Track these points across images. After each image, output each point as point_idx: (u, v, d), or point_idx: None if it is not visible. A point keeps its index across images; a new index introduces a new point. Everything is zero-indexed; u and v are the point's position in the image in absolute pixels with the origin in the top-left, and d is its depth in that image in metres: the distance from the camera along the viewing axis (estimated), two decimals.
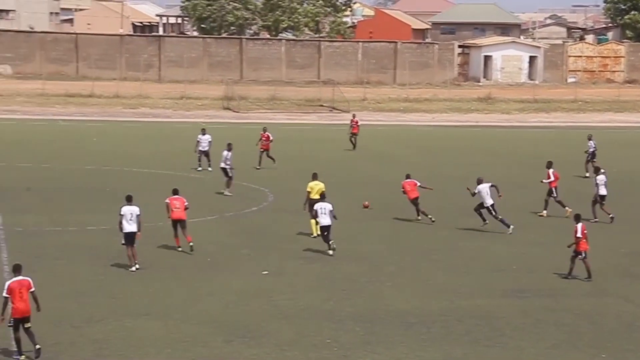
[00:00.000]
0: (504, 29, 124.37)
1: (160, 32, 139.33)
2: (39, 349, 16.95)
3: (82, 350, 17.65)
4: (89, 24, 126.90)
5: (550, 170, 31.89)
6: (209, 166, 39.31)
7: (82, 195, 33.88)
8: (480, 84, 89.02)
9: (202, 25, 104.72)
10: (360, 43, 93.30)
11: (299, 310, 20.52)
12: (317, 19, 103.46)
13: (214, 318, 19.80)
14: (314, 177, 28.19)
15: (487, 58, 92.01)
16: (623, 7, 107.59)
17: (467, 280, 23.28)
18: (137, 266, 23.24)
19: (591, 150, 40.82)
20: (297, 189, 35.61)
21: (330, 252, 25.34)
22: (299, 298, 21.39)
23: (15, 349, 17.11)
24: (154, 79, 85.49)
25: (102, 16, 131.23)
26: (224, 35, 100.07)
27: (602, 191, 30.79)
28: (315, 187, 27.69)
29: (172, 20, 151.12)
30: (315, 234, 27.04)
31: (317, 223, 26.14)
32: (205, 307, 20.57)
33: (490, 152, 49.04)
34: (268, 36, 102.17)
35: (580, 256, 23.22)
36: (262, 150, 40.92)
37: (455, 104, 74.52)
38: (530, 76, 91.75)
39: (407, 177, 30.39)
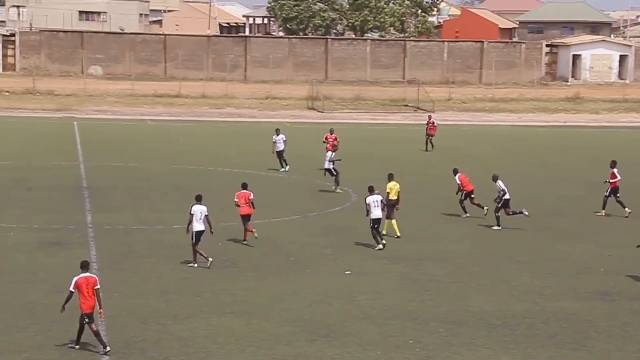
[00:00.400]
0: (593, 27, 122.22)
1: (247, 33, 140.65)
2: (76, 346, 17.65)
3: (167, 347, 17.96)
4: (177, 25, 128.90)
5: (615, 170, 31.44)
6: (285, 165, 39.62)
7: (169, 194, 34.41)
8: (569, 83, 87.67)
9: (288, 26, 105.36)
10: (446, 43, 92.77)
11: (382, 311, 20.52)
12: (403, 18, 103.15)
13: (297, 317, 19.94)
14: (390, 177, 28.27)
15: (576, 57, 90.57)
16: None
17: (552, 282, 23.00)
18: (210, 259, 23.70)
19: None
20: (379, 189, 35.58)
21: (380, 246, 25.55)
22: (381, 298, 21.40)
23: (99, 344, 17.44)
24: (239, 79, 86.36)
25: (190, 17, 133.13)
26: (309, 35, 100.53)
27: None
28: (394, 187, 27.86)
29: (258, 20, 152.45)
30: (398, 234, 27.27)
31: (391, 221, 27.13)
32: (288, 306, 20.72)
33: (577, 152, 48.27)
34: (353, 36, 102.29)
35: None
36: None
37: (542, 104, 73.54)
38: (621, 75, 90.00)
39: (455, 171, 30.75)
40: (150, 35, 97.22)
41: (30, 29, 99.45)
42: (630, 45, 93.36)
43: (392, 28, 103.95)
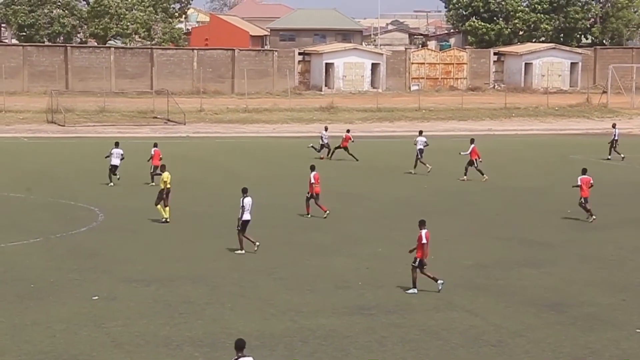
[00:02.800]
0: (345, 35, 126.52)
1: None
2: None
3: None
4: None
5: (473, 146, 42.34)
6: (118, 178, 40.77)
7: None
8: (322, 92, 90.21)
9: (22, 33, 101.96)
10: (196, 50, 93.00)
11: (133, 337, 20.23)
12: (149, 25, 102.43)
13: (38, 349, 19.28)
14: (163, 168, 32.82)
15: (329, 65, 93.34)
16: (464, 13, 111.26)
17: (311, 298, 23.52)
18: (258, 243, 28.10)
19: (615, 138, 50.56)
20: (128, 207, 35.17)
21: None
22: (132, 324, 21.11)
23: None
24: None
25: None
26: (46, 43, 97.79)
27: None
28: (168, 177, 32.29)
29: None
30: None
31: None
32: (28, 337, 20.00)
33: (328, 163, 49.68)
34: (95, 44, 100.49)
35: (421, 265, 23.90)
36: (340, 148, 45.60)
37: (296, 114, 75.25)
38: (373, 84, 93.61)
39: (584, 172, 33.90)
40: None
41: None
42: (381, 54, 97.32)
43: (137, 35, 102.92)
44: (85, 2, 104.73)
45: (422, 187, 41.92)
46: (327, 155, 50.18)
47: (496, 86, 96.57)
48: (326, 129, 51.81)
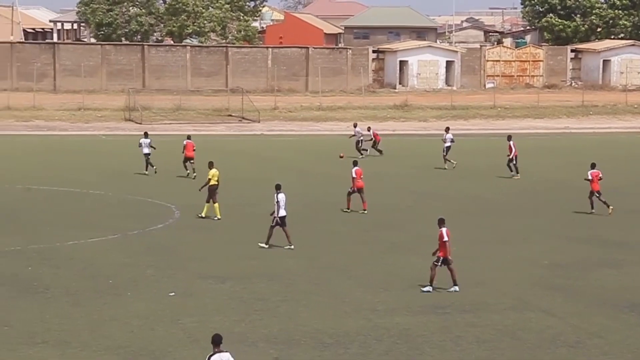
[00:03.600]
0: (419, 32, 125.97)
1: (55, 39, 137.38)
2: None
3: None
4: None
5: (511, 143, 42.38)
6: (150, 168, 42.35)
7: None
8: (396, 90, 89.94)
9: (100, 32, 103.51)
10: (270, 49, 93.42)
11: (208, 333, 20.31)
12: (224, 23, 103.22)
13: (117, 344, 19.55)
14: (211, 165, 33.14)
15: (403, 63, 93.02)
16: (541, 9, 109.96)
17: (385, 296, 23.46)
18: (292, 246, 28.08)
19: None
20: (203, 204, 35.50)
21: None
22: (208, 320, 21.29)
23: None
24: (48, 89, 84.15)
25: None
26: (124, 42, 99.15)
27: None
28: (215, 174, 32.79)
29: (67, 26, 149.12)
30: (219, 216, 32.47)
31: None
32: (107, 333, 20.30)
33: (405, 161, 49.48)
34: (172, 42, 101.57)
35: (447, 263, 23.65)
36: None
37: (370, 112, 75.13)
38: (448, 82, 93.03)
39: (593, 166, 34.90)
40: None
41: None
42: (456, 51, 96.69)
43: (212, 33, 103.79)
44: (162, 1, 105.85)
45: (497, 185, 41.57)
46: (362, 150, 49.38)
47: (573, 84, 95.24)
48: (355, 126, 50.76)
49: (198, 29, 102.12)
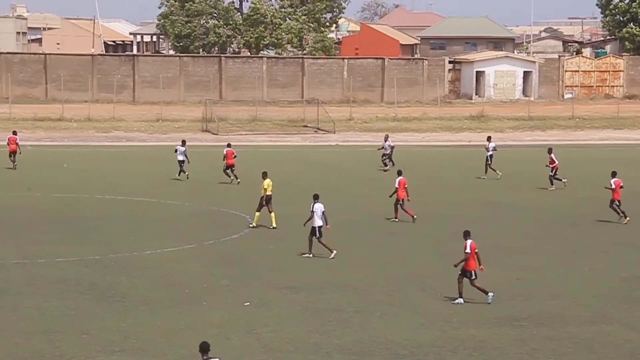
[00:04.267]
0: (496, 43, 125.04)
1: (134, 51, 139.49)
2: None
3: None
4: (58, 44, 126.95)
5: (552, 155, 42.35)
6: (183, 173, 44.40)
7: (51, 224, 33.77)
8: (473, 101, 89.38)
9: (179, 44, 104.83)
10: (346, 60, 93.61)
11: (283, 343, 20.47)
12: (301, 34, 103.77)
13: (193, 353, 19.68)
14: (265, 175, 33.43)
15: (479, 74, 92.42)
16: (622, 19, 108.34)
17: (460, 308, 23.28)
18: (334, 252, 28.28)
19: None
20: (278, 214, 35.69)
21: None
22: (282, 330, 21.37)
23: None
24: (127, 100, 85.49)
25: (72, 35, 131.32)
26: (202, 53, 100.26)
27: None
28: (269, 184, 33.08)
29: (146, 38, 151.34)
30: (274, 225, 32.93)
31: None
32: (183, 342, 20.48)
33: (480, 171, 49.14)
34: (248, 54, 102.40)
35: (467, 276, 23.23)
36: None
37: (446, 123, 74.79)
38: (525, 92, 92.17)
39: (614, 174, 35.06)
40: (29, 55, 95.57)
41: None
42: (533, 62, 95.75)
43: (289, 45, 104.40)
44: (240, 13, 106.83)
45: (573, 196, 41.00)
46: (388, 163, 49.09)
47: None
48: (386, 139, 50.13)
49: (275, 41, 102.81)
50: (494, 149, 46.35)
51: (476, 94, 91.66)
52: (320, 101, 76.02)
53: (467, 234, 23.73)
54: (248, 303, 23.52)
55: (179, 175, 44.45)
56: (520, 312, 22.95)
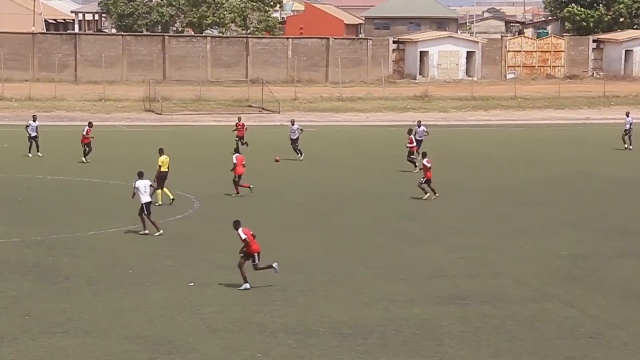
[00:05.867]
0: (440, 23, 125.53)
1: (76, 30, 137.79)
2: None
3: None
4: None
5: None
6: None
7: None
8: (417, 81, 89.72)
9: (121, 23, 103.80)
10: (290, 39, 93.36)
11: (227, 323, 20.48)
12: (245, 14, 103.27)
13: (136, 334, 19.64)
14: (161, 152, 33.76)
15: (423, 54, 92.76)
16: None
17: (404, 287, 23.46)
18: (161, 232, 28.35)
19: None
20: (224, 195, 35.62)
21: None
22: (227, 310, 21.36)
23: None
24: (69, 80, 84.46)
25: (11, 13, 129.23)
26: (144, 32, 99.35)
27: None
28: (165, 160, 33.48)
29: (88, 17, 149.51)
30: (172, 197, 33.19)
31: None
32: (127, 322, 20.40)
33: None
34: (192, 33, 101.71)
35: (252, 260, 22.84)
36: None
37: (390, 103, 75.04)
38: (468, 72, 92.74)
39: None
40: None
41: None
42: (477, 42, 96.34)
43: (233, 24, 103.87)
44: None
45: (517, 176, 41.45)
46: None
47: (595, 74, 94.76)
48: (293, 123, 46.62)
49: (218, 20, 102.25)
50: (425, 133, 44.76)
51: (420, 74, 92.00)
52: (265, 81, 75.80)
53: (236, 224, 23.09)
54: (192, 283, 23.48)
55: (29, 152, 44.69)
56: (463, 291, 23.19)
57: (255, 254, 23.01)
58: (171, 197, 33.36)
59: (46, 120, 62.81)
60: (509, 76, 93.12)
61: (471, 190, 37.87)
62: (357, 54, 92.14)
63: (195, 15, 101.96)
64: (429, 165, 35.12)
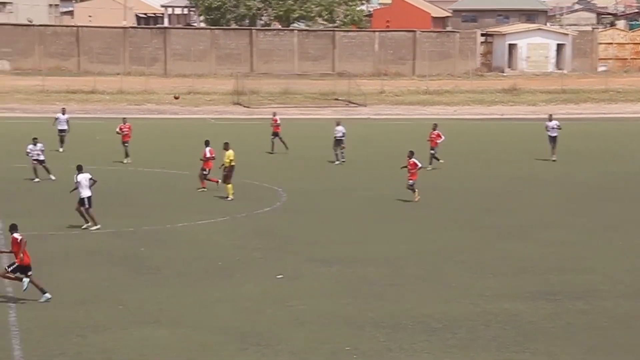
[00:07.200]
0: (529, 15, 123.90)
1: (166, 24, 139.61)
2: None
3: None
4: (90, 16, 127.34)
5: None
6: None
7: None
8: (505, 74, 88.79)
9: (210, 16, 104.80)
10: (377, 33, 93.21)
11: (316, 316, 20.53)
12: (331, 7, 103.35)
13: (226, 325, 19.82)
14: (226, 146, 33.55)
15: (512, 47, 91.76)
16: None
17: (493, 282, 23.24)
18: (98, 227, 27.87)
19: None
20: (311, 188, 35.73)
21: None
22: (315, 303, 21.40)
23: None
24: (159, 73, 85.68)
25: (104, 8, 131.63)
26: (232, 26, 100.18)
27: None
28: (230, 155, 33.14)
29: (178, 11, 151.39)
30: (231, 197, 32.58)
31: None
32: (216, 313, 20.60)
33: (513, 146, 48.84)
34: (279, 27, 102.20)
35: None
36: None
37: (478, 96, 74.39)
38: (558, 65, 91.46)
39: None
40: (62, 27, 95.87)
41: None
42: (567, 34, 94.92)
43: (319, 18, 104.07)
44: None
45: (607, 170, 40.71)
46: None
47: None
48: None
49: (305, 13, 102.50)
50: (557, 127, 42.47)
51: (509, 67, 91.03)
52: (352, 74, 75.78)
53: (12, 228, 21.09)
54: (281, 276, 23.60)
55: (61, 148, 43.86)
56: (554, 286, 22.87)
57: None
58: (231, 196, 32.85)
59: (136, 113, 63.78)
60: (600, 69, 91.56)
61: (558, 185, 37.32)
62: (444, 47, 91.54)
63: (282, 9, 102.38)
64: (417, 165, 32.82)
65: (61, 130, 44.90)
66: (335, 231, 28.90)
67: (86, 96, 71.07)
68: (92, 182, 28.11)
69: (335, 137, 41.75)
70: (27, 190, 34.99)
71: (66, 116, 45.40)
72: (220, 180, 33.78)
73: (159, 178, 38.48)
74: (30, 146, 36.56)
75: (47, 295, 20.98)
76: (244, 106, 68.61)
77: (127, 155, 41.49)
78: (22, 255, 20.69)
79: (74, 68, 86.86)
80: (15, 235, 20.90)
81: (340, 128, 41.70)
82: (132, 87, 74.36)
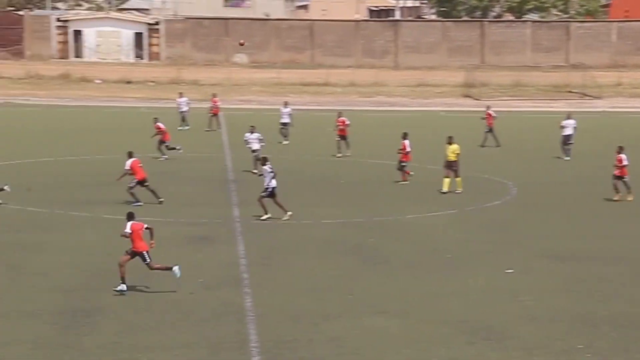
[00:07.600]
0: None
1: (397, 17, 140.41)
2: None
3: (319, 347, 18.04)
4: (324, 10, 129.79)
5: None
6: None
7: (318, 186, 34.65)
8: None
9: (442, 9, 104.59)
10: (615, 23, 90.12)
11: (547, 312, 20.06)
12: None
13: (455, 318, 19.70)
14: (450, 140, 32.85)
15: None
16: None
17: None
18: (268, 215, 28.13)
19: None
20: (542, 182, 35.01)
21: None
22: (546, 299, 20.93)
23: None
24: (390, 65, 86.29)
25: (337, 1, 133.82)
26: (464, 18, 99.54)
27: None
28: (455, 149, 32.67)
29: (409, 3, 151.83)
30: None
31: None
32: (445, 306, 20.51)
33: None
34: (511, 18, 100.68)
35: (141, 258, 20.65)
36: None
37: None
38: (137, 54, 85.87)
39: None
40: (297, 21, 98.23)
41: (175, 17, 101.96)
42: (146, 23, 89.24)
43: (554, 9, 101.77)
44: None
45: None
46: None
47: None
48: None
49: (539, 4, 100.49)
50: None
51: None
52: (587, 66, 73.64)
53: (130, 216, 20.94)
54: (511, 270, 23.23)
55: (285, 141, 43.66)
56: None
57: (143, 253, 20.83)
58: (459, 188, 32.61)
59: (367, 106, 64.56)
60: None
61: None
62: None
63: (515, 1, 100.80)
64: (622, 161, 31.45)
65: (283, 124, 45.79)
66: (568, 226, 28.16)
67: (319, 88, 72.54)
68: (274, 174, 28.43)
69: (562, 134, 40.62)
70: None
71: (288, 109, 46.35)
72: (408, 178, 34.17)
73: (387, 169, 38.68)
74: (247, 134, 37.29)
75: (176, 267, 20.97)
76: (474, 98, 68.02)
77: (347, 147, 41.35)
78: (135, 242, 20.73)
79: (307, 61, 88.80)
80: (134, 222, 20.85)
81: (570, 122, 40.50)
82: (364, 79, 75.24)
